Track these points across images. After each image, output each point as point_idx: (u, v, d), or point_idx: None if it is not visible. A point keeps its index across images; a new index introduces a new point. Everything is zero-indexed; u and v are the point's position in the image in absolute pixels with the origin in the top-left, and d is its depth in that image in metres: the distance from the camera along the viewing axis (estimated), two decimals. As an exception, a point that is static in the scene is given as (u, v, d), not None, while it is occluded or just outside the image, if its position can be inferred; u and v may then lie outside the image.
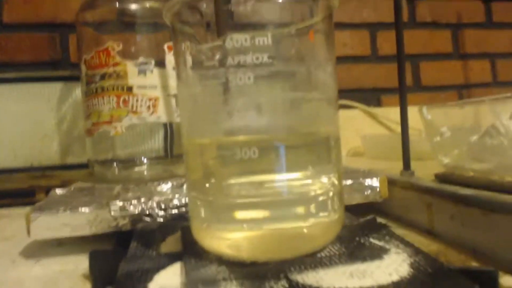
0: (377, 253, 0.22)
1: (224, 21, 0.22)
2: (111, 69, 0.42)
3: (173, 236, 0.28)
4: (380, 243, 0.23)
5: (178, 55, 0.24)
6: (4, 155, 0.57)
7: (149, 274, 0.21)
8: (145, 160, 0.43)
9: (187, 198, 0.31)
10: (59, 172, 0.58)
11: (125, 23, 0.43)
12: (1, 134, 0.57)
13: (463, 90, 0.86)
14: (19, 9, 0.63)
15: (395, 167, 0.37)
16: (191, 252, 0.23)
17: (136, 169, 0.42)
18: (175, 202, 0.31)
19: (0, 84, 0.58)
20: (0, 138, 0.57)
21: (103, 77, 0.42)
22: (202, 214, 0.23)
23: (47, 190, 0.41)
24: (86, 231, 0.30)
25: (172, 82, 0.43)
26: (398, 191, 0.34)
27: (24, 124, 0.58)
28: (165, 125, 0.43)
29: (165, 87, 0.43)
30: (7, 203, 0.52)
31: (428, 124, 0.40)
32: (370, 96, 0.81)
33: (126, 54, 0.42)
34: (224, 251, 0.22)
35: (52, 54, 0.64)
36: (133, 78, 0.42)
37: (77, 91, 0.59)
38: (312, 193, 0.22)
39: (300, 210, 0.22)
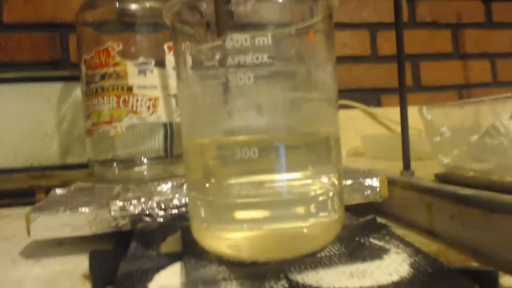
0: (377, 253, 0.22)
1: (224, 21, 0.22)
2: (111, 69, 0.42)
3: (173, 236, 0.28)
4: (380, 243, 0.23)
5: (178, 55, 0.24)
6: (4, 155, 0.57)
7: (149, 274, 0.21)
8: (145, 160, 0.43)
9: (187, 198, 0.31)
10: (59, 172, 0.58)
11: (125, 23, 0.43)
12: (1, 134, 0.57)
13: (463, 90, 0.86)
14: (19, 9, 0.63)
15: (395, 167, 0.37)
16: (191, 252, 0.23)
17: (136, 169, 0.42)
18: (175, 202, 0.31)
19: (0, 84, 0.58)
20: (0, 138, 0.57)
21: (103, 77, 0.42)
22: (202, 214, 0.23)
23: (47, 190, 0.41)
24: (86, 231, 0.30)
25: (172, 82, 0.43)
26: (398, 191, 0.34)
27: (24, 124, 0.58)
28: (165, 125, 0.43)
29: (165, 87, 0.43)
30: (7, 203, 0.52)
31: (428, 124, 0.40)
32: (370, 96, 0.81)
33: (126, 54, 0.42)
34: (224, 251, 0.22)
35: (52, 54, 0.64)
36: (133, 78, 0.42)
37: (77, 91, 0.59)
38: (312, 193, 0.22)
39: (300, 210, 0.22)
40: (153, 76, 0.42)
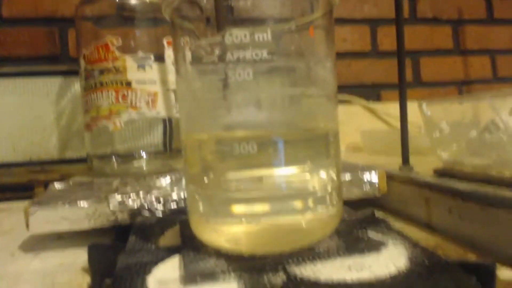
0: (375, 246, 0.22)
1: (224, 16, 0.22)
2: (110, 64, 0.41)
3: (172, 230, 0.28)
4: (378, 237, 0.23)
5: (177, 50, 0.24)
6: (3, 149, 0.57)
7: (147, 267, 0.21)
8: (144, 155, 0.43)
9: (185, 193, 0.31)
10: (58, 166, 0.58)
11: (125, 18, 0.43)
12: (0, 129, 0.57)
13: (463, 86, 0.86)
14: (18, 3, 0.63)
15: (394, 162, 0.37)
16: (190, 245, 0.23)
17: (135, 163, 0.42)
18: (174, 196, 0.31)
19: (-1, 79, 0.58)
20: (-1, 132, 0.57)
21: (102, 72, 0.42)
22: (201, 208, 0.23)
23: (46, 184, 0.41)
24: (85, 225, 0.30)
25: (172, 77, 0.43)
26: (397, 186, 0.34)
27: (23, 119, 0.58)
28: (164, 120, 0.43)
29: (164, 82, 0.43)
30: (6, 197, 0.53)
31: (428, 120, 0.40)
32: (370, 92, 0.81)
33: (126, 49, 0.42)
34: (223, 244, 0.22)
35: (51, 49, 0.64)
36: (132, 73, 0.41)
37: (76, 86, 0.59)
38: (311, 188, 0.22)
39: (299, 204, 0.22)
40: (152, 71, 0.42)
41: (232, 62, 0.21)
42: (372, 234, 0.24)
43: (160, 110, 0.42)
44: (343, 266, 0.20)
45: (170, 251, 0.23)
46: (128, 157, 0.43)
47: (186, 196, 0.29)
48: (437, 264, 0.19)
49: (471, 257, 0.24)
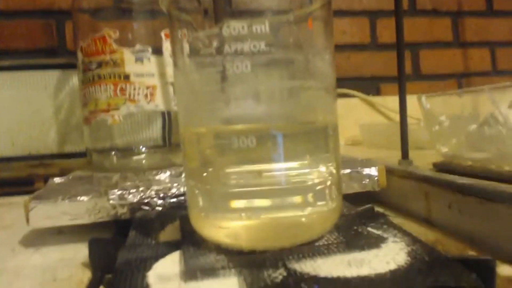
0: (375, 242, 0.22)
1: (222, 8, 0.22)
2: (107, 57, 0.41)
3: (172, 225, 0.28)
4: (378, 232, 0.24)
5: (175, 43, 0.24)
6: (2, 144, 0.57)
7: (148, 263, 0.21)
8: (143, 149, 0.43)
9: (185, 187, 0.31)
10: (57, 160, 0.57)
11: (122, 10, 0.43)
12: (-1, 123, 0.57)
13: (462, 79, 0.86)
14: (14, -5, 0.62)
15: (393, 156, 0.37)
16: (190, 241, 0.23)
17: (135, 158, 0.42)
18: (174, 191, 0.31)
19: (-3, 72, 0.57)
20: (-2, 126, 0.57)
21: (99, 65, 0.41)
22: (200, 203, 0.23)
23: (46, 178, 0.41)
24: (85, 219, 0.30)
25: (170, 70, 0.42)
26: (396, 180, 0.34)
27: (21, 113, 0.58)
28: (163, 113, 0.43)
29: (162, 75, 0.42)
30: (6, 191, 0.53)
31: (427, 113, 0.40)
32: (369, 85, 0.80)
33: (123, 42, 0.41)
34: (223, 240, 0.22)
35: (49, 42, 0.63)
36: (130, 66, 0.41)
37: (74, 79, 0.58)
38: (310, 182, 0.22)
39: (298, 199, 0.22)
40: (151, 64, 0.42)
41: (230, 54, 0.20)
42: (372, 230, 0.24)
43: (158, 103, 0.42)
44: (343, 261, 0.20)
45: (170, 246, 0.23)
46: (128, 151, 0.42)
47: (185, 190, 0.29)
48: (437, 260, 0.19)
49: (471, 252, 0.24)
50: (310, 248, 0.21)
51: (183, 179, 0.33)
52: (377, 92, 0.81)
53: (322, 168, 0.23)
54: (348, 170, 0.34)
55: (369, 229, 0.24)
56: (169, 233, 0.26)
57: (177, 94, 0.25)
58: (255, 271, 0.19)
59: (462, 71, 0.85)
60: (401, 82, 0.37)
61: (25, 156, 0.58)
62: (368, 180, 0.34)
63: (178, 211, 0.29)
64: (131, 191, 0.31)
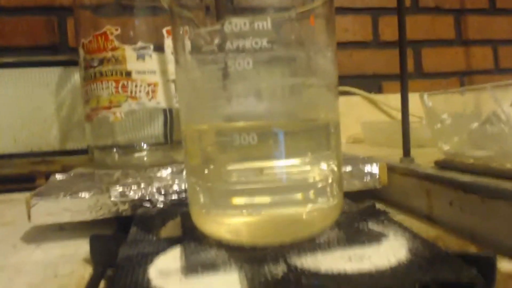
0: (376, 238, 0.22)
1: (223, 5, 0.22)
2: (109, 54, 0.41)
3: (173, 221, 0.28)
4: (379, 228, 0.24)
5: (176, 40, 0.24)
6: (4, 141, 0.57)
7: (149, 258, 0.21)
8: (145, 146, 0.43)
9: (186, 184, 0.31)
10: (59, 157, 0.58)
11: (124, 7, 0.43)
12: (1, 120, 0.57)
13: (464, 77, 0.85)
14: (16, -8, 0.62)
15: (395, 154, 0.37)
16: (191, 236, 0.23)
17: (136, 155, 0.42)
18: (175, 187, 0.31)
19: (-1, 69, 0.57)
20: (0, 123, 0.57)
21: (101, 61, 0.41)
22: (201, 200, 0.23)
23: (47, 175, 0.41)
24: (86, 216, 0.30)
25: (171, 67, 0.42)
26: (398, 177, 0.34)
27: (23, 109, 0.58)
28: (164, 110, 0.43)
29: (164, 72, 0.42)
30: (7, 188, 0.53)
31: (429, 111, 0.40)
32: (371, 83, 0.80)
33: (125, 39, 0.41)
34: (224, 235, 0.22)
35: (50, 38, 0.64)
36: (132, 63, 0.41)
37: (76, 76, 0.58)
38: (311, 180, 0.22)
39: (299, 196, 0.22)
40: (152, 61, 0.42)
41: (231, 51, 0.20)
42: (373, 226, 0.24)
43: (160, 100, 0.42)
44: (343, 257, 0.20)
45: (171, 242, 0.23)
46: (129, 148, 0.43)
47: (187, 187, 0.29)
48: (438, 256, 0.19)
49: (472, 249, 0.24)
50: (311, 244, 0.21)
51: (184, 176, 0.33)
52: (379, 90, 0.81)
53: (324, 166, 0.23)
54: (349, 168, 0.34)
55: (370, 225, 0.24)
56: (170, 229, 0.26)
57: (179, 91, 0.25)
58: (256, 267, 0.19)
59: (464, 69, 0.85)
60: (403, 80, 0.37)
61: (27, 153, 0.58)
62: (369, 177, 0.34)
63: (179, 208, 0.29)
64: (133, 188, 0.31)
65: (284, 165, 0.21)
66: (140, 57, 0.41)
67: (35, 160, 0.57)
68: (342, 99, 0.64)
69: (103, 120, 0.42)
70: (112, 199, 0.30)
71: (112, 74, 0.41)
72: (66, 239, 0.30)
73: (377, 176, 0.34)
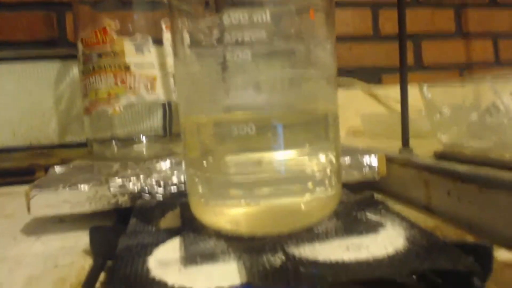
0: (373, 227, 0.22)
1: (222, -2, 0.22)
2: (108, 48, 0.41)
3: (172, 212, 0.28)
4: (376, 218, 0.24)
5: (175, 33, 0.23)
6: (3, 134, 0.57)
7: (148, 249, 0.21)
8: (143, 139, 0.43)
9: (185, 176, 0.31)
10: (58, 150, 0.58)
11: (122, 1, 0.43)
12: (0, 114, 0.57)
13: (464, 70, 0.85)
14: (14, -13, 0.62)
15: (394, 146, 0.37)
16: (190, 227, 0.23)
17: (135, 147, 0.42)
18: (174, 179, 0.32)
19: (-2, 63, 0.57)
20: (-1, 117, 0.57)
21: (100, 55, 0.41)
22: (200, 191, 0.23)
23: (46, 168, 0.41)
24: (85, 208, 0.30)
25: (170, 60, 0.42)
26: (396, 168, 0.34)
27: (22, 103, 0.58)
28: (163, 104, 0.43)
29: (163, 65, 0.42)
30: (7, 181, 0.53)
31: (428, 103, 0.40)
32: (371, 75, 0.80)
33: (123, 32, 0.41)
34: (223, 226, 0.22)
35: (49, 33, 0.63)
36: (131, 57, 0.41)
37: (75, 70, 0.58)
38: (310, 171, 0.22)
39: (298, 187, 0.22)
40: (151, 55, 0.42)
41: (230, 44, 0.20)
42: (371, 216, 0.24)
43: (159, 94, 0.42)
44: (341, 246, 0.20)
45: (170, 233, 0.23)
46: (128, 141, 0.43)
47: (186, 179, 0.29)
48: (435, 245, 0.19)
49: (469, 238, 0.24)
50: (309, 234, 0.21)
51: (183, 168, 0.33)
52: (379, 83, 0.81)
53: (322, 157, 0.23)
54: (348, 159, 0.34)
55: (368, 215, 0.24)
56: (170, 220, 0.27)
57: (178, 84, 0.25)
58: (255, 256, 0.19)
59: (464, 62, 0.85)
60: (402, 72, 0.37)
61: (26, 147, 0.58)
62: (368, 168, 0.34)
63: (178, 199, 0.29)
64: (132, 179, 0.31)
65: (282, 156, 0.22)
66: (139, 50, 0.41)
67: (34, 154, 0.57)
68: (342, 92, 0.63)
69: (102, 113, 0.42)
70: (111, 190, 0.30)
71: (111, 68, 0.41)
72: (66, 231, 0.31)
73: (376, 168, 0.34)
